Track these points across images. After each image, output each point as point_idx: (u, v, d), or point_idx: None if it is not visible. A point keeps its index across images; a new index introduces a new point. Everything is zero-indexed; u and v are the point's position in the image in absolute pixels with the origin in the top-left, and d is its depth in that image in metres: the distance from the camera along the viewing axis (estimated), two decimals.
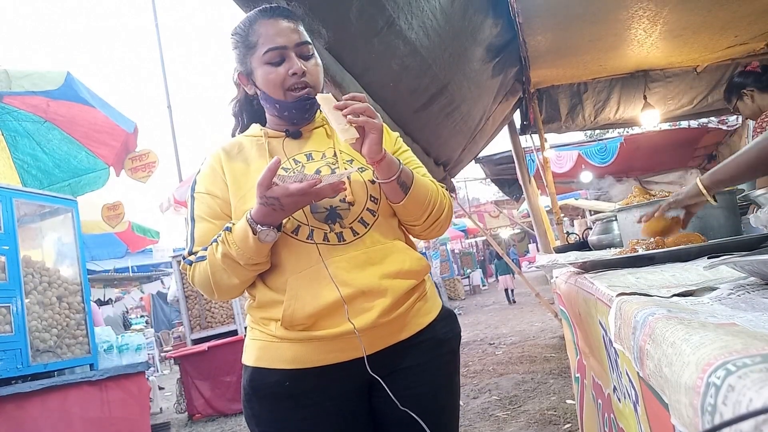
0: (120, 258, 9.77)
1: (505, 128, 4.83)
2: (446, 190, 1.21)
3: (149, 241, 7.86)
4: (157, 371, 9.01)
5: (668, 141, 7.31)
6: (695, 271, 0.78)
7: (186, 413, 5.16)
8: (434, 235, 1.23)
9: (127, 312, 10.26)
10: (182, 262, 1.13)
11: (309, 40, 1.15)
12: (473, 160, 5.15)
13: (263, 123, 1.24)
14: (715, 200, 1.09)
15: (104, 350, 3.03)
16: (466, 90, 3.11)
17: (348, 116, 0.99)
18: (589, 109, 4.87)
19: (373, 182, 1.12)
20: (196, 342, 5.32)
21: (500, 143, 5.79)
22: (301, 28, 1.14)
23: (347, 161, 1.15)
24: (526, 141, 5.10)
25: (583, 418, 1.56)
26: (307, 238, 1.06)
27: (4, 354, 2.39)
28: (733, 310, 0.50)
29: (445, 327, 1.17)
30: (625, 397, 0.80)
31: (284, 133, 1.19)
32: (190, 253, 1.10)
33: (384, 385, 1.03)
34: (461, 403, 3.74)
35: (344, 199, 1.09)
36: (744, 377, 0.29)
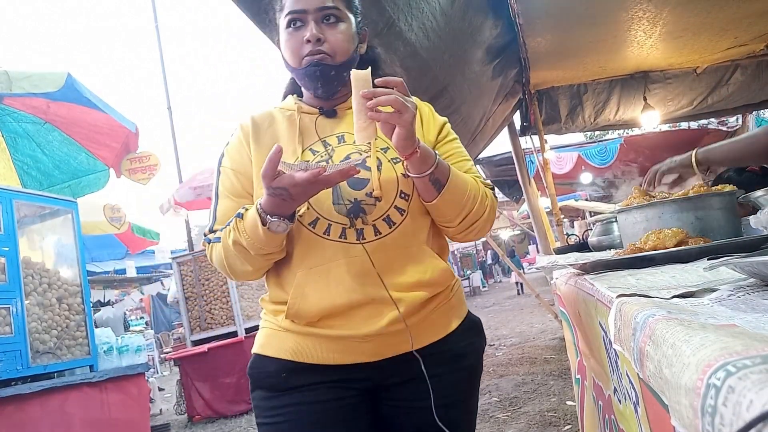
0: (120, 259, 9.78)
1: (505, 129, 4.84)
2: (492, 189, 1.10)
3: (149, 242, 7.86)
4: (157, 372, 9.01)
5: (668, 142, 7.32)
6: (695, 273, 0.78)
7: (186, 415, 5.16)
8: (472, 238, 1.11)
9: (126, 314, 10.26)
10: (203, 240, 1.08)
11: (337, 5, 1.05)
12: (473, 162, 5.15)
13: (301, 95, 1.16)
14: (701, 172, 1.26)
15: (104, 352, 3.03)
16: (466, 91, 3.11)
17: (369, 113, 0.88)
18: (589, 110, 4.87)
19: (405, 176, 1.01)
20: (196, 343, 5.32)
21: (500, 144, 5.80)
22: None
23: (381, 149, 1.05)
24: (526, 142, 5.10)
25: (584, 420, 1.56)
26: (324, 233, 0.98)
27: (4, 355, 2.39)
28: (733, 311, 0.50)
29: (465, 339, 1.07)
30: (625, 399, 0.80)
31: (318, 111, 1.11)
32: (211, 231, 1.06)
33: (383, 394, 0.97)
34: None
35: (371, 193, 0.99)
36: (744, 378, 0.29)
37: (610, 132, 11.61)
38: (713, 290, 0.62)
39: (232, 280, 1.47)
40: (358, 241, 0.97)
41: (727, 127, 7.14)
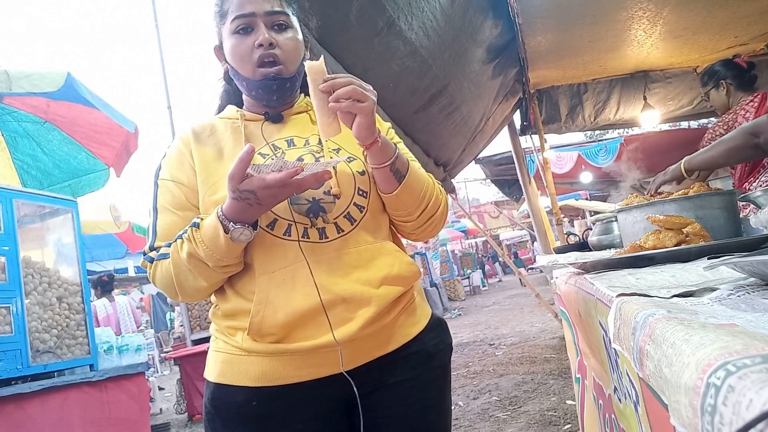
0: (120, 258, 9.78)
1: (505, 129, 4.84)
2: (442, 187, 1.11)
3: None
4: (157, 372, 9.01)
5: (668, 142, 7.31)
6: (695, 272, 0.78)
7: (186, 414, 5.16)
8: (427, 236, 1.11)
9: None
10: (142, 259, 0.98)
11: (286, 10, 1.02)
12: (473, 161, 5.15)
13: (241, 105, 1.11)
14: (690, 176, 1.54)
15: (104, 351, 3.03)
16: (466, 91, 3.11)
17: (330, 104, 0.86)
18: (589, 109, 4.87)
19: (362, 173, 1.00)
20: (195, 343, 5.32)
21: (500, 144, 5.80)
22: None
23: (333, 150, 1.03)
24: (526, 141, 5.11)
25: (584, 419, 1.56)
26: (284, 234, 0.93)
27: (4, 355, 2.39)
28: (733, 310, 0.50)
29: (435, 338, 1.05)
30: (625, 398, 0.80)
31: (263, 116, 1.07)
32: (152, 249, 0.97)
33: (359, 404, 0.92)
34: (461, 403, 3.75)
35: (329, 191, 0.96)
36: (744, 378, 0.29)
37: (610, 131, 11.61)
38: (713, 289, 0.62)
39: (176, 302, 1.36)
40: (321, 240, 0.94)
41: None
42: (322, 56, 0.92)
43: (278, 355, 0.92)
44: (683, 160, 1.51)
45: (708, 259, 0.86)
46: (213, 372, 0.98)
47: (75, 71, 3.31)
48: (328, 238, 0.94)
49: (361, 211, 0.98)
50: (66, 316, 2.82)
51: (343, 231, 0.96)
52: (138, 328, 6.20)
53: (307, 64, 0.89)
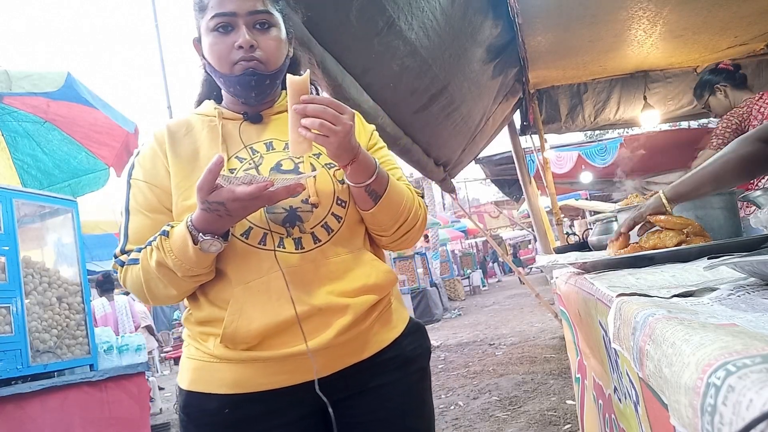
0: None
1: (505, 129, 4.84)
2: (422, 196, 1.08)
3: None
4: (158, 372, 9.01)
5: (668, 141, 7.31)
6: (695, 272, 0.78)
7: None
8: (403, 247, 1.09)
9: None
10: (113, 261, 0.95)
11: (269, 8, 0.97)
12: (473, 161, 5.15)
13: (219, 100, 1.07)
14: (673, 207, 1.09)
15: (104, 351, 3.03)
16: (466, 90, 3.11)
17: (300, 128, 0.83)
18: (589, 109, 4.87)
19: (342, 182, 0.97)
20: None
21: (500, 144, 5.80)
22: None
23: (314, 155, 0.99)
24: (526, 141, 5.11)
25: (584, 419, 1.56)
26: (260, 243, 0.91)
27: (4, 354, 2.39)
28: (733, 310, 0.50)
29: (413, 342, 1.04)
30: (625, 398, 0.80)
31: (242, 116, 1.02)
32: (123, 252, 0.94)
33: (331, 412, 0.90)
34: (461, 403, 3.75)
35: (307, 199, 0.93)
36: (744, 378, 0.29)
37: (610, 131, 11.61)
38: (713, 289, 0.62)
39: (149, 305, 1.32)
40: (297, 251, 0.91)
41: None
42: (307, 71, 0.89)
43: (251, 363, 0.91)
44: (660, 192, 1.12)
45: (708, 259, 0.86)
46: (185, 379, 0.96)
47: (75, 71, 3.31)
48: (304, 248, 0.92)
49: (339, 222, 0.96)
50: (66, 316, 2.82)
51: (319, 241, 0.93)
52: (137, 329, 6.20)
53: (290, 78, 0.85)
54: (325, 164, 0.99)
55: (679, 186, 1.09)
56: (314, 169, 0.96)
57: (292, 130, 0.85)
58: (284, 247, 0.91)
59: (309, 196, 0.94)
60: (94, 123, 3.78)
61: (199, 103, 1.10)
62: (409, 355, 1.02)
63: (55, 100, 3.54)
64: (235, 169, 0.95)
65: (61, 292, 2.83)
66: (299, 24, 1.57)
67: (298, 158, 0.97)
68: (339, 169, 0.97)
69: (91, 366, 2.86)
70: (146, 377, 3.12)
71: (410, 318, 1.08)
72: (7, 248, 2.53)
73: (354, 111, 0.90)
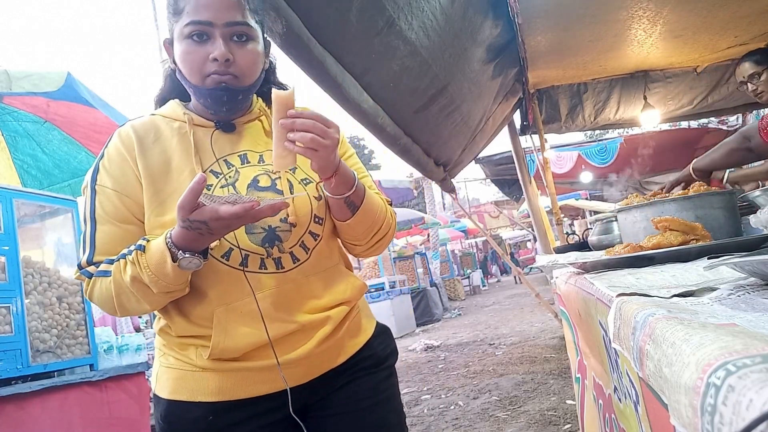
0: None
1: (505, 129, 4.84)
2: (390, 204, 1.11)
3: None
4: None
5: (668, 141, 7.31)
6: (695, 272, 0.78)
7: None
8: (375, 255, 1.13)
9: None
10: (77, 271, 0.92)
11: (248, 21, 0.93)
12: (473, 161, 5.15)
13: (183, 98, 1.02)
14: (700, 179, 1.61)
15: (104, 351, 3.03)
16: (466, 90, 3.11)
17: (286, 142, 0.83)
18: (589, 109, 4.87)
19: (318, 198, 0.98)
20: None
21: (500, 144, 5.80)
22: (245, 5, 0.93)
23: (290, 170, 0.98)
24: (526, 141, 5.10)
25: (584, 419, 1.56)
26: (240, 265, 0.90)
27: (4, 354, 2.39)
28: (733, 310, 0.50)
29: (383, 343, 1.10)
30: (625, 397, 0.80)
31: (214, 125, 0.98)
32: (90, 263, 0.90)
33: (302, 425, 0.95)
34: (461, 403, 3.75)
35: (285, 218, 0.93)
36: (744, 377, 0.29)
37: (610, 131, 11.62)
38: (713, 289, 0.62)
39: (115, 316, 1.33)
40: (278, 271, 0.92)
41: (728, 126, 7.13)
42: (293, 87, 0.88)
43: (235, 372, 0.93)
44: (692, 163, 1.66)
45: (708, 259, 0.86)
46: (165, 389, 0.95)
47: (75, 71, 3.31)
48: (284, 268, 0.93)
49: (316, 239, 0.97)
50: (66, 315, 2.82)
51: (298, 260, 0.95)
52: (136, 329, 6.19)
53: (275, 93, 0.84)
54: (301, 180, 0.99)
55: (699, 162, 1.67)
56: (291, 184, 0.97)
57: (277, 145, 0.85)
58: (266, 268, 0.92)
59: (288, 216, 0.94)
60: (94, 123, 3.78)
61: (162, 101, 1.05)
62: (380, 355, 1.08)
63: (55, 100, 3.54)
64: (211, 185, 0.93)
65: (61, 291, 2.83)
66: (298, 24, 1.57)
67: (275, 174, 0.97)
68: (315, 185, 0.99)
69: (91, 366, 2.86)
70: (146, 377, 3.12)
71: (376, 321, 1.14)
72: (7, 248, 2.53)
73: (337, 124, 0.90)
